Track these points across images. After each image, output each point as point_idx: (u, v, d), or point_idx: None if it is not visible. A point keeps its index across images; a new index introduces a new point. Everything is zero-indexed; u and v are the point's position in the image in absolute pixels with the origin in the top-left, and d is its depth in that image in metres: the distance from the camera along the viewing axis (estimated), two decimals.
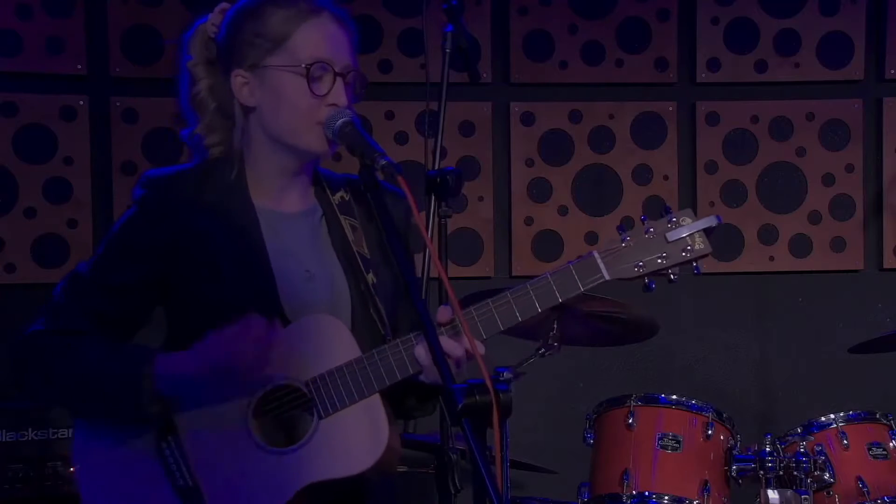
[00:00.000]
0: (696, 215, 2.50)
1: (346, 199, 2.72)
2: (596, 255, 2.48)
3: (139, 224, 2.61)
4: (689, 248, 2.47)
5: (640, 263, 2.47)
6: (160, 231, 2.58)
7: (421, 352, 2.47)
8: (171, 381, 2.50)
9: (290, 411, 2.54)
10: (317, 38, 2.57)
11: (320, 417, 2.50)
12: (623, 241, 2.48)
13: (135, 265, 2.59)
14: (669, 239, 2.47)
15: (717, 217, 2.48)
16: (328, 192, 2.71)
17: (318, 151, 2.60)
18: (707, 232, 2.48)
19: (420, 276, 3.30)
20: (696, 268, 2.49)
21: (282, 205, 2.66)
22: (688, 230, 2.47)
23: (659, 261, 2.47)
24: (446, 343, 2.41)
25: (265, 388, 2.52)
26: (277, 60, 2.56)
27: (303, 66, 2.54)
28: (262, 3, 2.60)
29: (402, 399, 2.66)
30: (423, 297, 3.06)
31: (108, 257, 2.62)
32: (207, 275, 2.56)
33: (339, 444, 2.49)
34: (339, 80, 2.56)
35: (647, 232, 2.48)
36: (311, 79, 2.54)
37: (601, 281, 2.47)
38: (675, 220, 2.48)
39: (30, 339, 2.60)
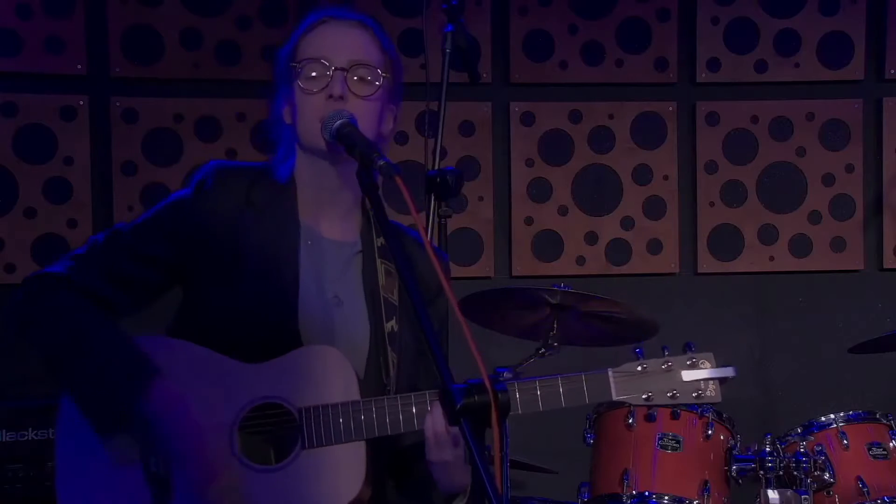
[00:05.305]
0: (714, 361, 2.52)
1: None
2: (610, 373, 2.51)
3: (189, 207, 2.64)
4: (700, 392, 2.50)
5: (650, 393, 2.50)
6: (205, 220, 2.61)
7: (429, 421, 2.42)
8: (158, 405, 2.47)
9: (276, 429, 2.52)
10: (314, 43, 2.64)
11: (303, 447, 2.49)
12: (639, 366, 2.52)
13: (172, 243, 2.62)
14: (685, 378, 2.50)
15: (734, 369, 2.50)
16: (374, 232, 2.71)
17: (310, 144, 2.60)
18: (721, 381, 2.50)
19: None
20: (701, 408, 2.48)
21: (324, 228, 2.67)
22: (705, 374, 2.50)
23: (668, 395, 2.50)
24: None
25: (255, 402, 2.51)
26: (292, 75, 2.63)
27: (292, 65, 2.61)
28: (294, 33, 2.69)
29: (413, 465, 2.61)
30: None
31: (150, 227, 2.65)
32: (232, 273, 2.58)
33: (314, 478, 2.48)
34: (337, 73, 2.59)
35: (664, 364, 2.51)
36: (299, 74, 2.60)
37: (606, 400, 2.50)
38: (694, 360, 2.51)
39: (47, 285, 2.61)
